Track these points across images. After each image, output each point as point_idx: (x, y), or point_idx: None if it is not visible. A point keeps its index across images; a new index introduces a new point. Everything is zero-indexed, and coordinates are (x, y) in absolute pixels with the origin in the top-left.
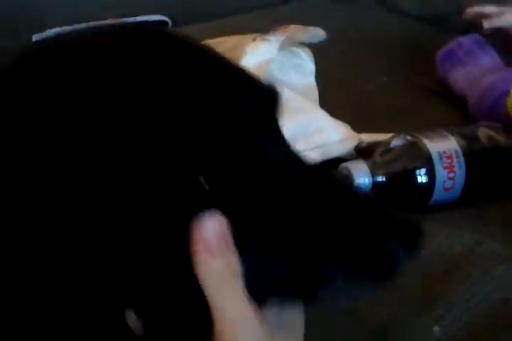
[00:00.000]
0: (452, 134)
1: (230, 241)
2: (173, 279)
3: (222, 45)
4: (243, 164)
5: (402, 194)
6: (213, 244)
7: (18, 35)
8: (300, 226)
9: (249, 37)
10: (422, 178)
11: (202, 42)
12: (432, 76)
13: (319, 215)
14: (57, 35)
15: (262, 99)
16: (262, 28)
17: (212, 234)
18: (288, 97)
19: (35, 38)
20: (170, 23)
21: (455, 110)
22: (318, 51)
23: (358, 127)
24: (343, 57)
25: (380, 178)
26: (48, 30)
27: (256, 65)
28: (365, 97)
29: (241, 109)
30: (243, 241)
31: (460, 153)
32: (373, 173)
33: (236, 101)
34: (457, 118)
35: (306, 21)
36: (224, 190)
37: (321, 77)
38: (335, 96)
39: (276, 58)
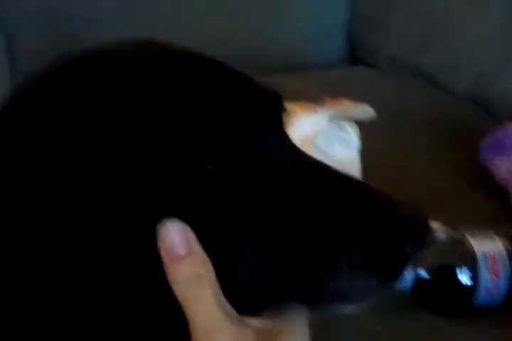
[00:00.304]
0: (497, 235)
1: (196, 247)
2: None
3: None
4: (246, 159)
5: (443, 292)
6: (176, 251)
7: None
8: (302, 217)
9: (297, 106)
10: (464, 278)
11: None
12: (474, 160)
13: (324, 207)
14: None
15: (265, 99)
16: (307, 91)
17: (173, 241)
18: None
19: None
20: None
21: (494, 199)
22: (361, 123)
23: None
24: (386, 131)
25: (422, 273)
26: None
27: (303, 136)
28: (404, 175)
29: (245, 108)
30: (245, 237)
31: (505, 256)
32: (415, 266)
33: (241, 101)
34: (496, 209)
35: (352, 89)
36: (227, 184)
37: (363, 150)
38: (375, 172)
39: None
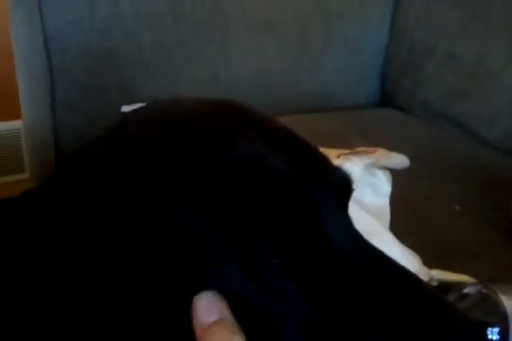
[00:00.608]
0: None
1: (226, 315)
2: None
3: None
4: (309, 241)
5: None
6: (206, 323)
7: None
8: (355, 305)
9: (332, 152)
10: (493, 335)
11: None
12: (506, 213)
13: (378, 299)
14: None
15: (333, 183)
16: (340, 132)
17: (205, 313)
18: (360, 219)
19: (123, 108)
20: None
21: None
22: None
23: (425, 257)
24: (417, 177)
25: None
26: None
27: None
28: (435, 226)
29: (313, 191)
30: (296, 312)
31: None
32: None
33: (309, 184)
34: None
35: (384, 132)
36: (290, 261)
37: (393, 196)
38: (405, 221)
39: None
